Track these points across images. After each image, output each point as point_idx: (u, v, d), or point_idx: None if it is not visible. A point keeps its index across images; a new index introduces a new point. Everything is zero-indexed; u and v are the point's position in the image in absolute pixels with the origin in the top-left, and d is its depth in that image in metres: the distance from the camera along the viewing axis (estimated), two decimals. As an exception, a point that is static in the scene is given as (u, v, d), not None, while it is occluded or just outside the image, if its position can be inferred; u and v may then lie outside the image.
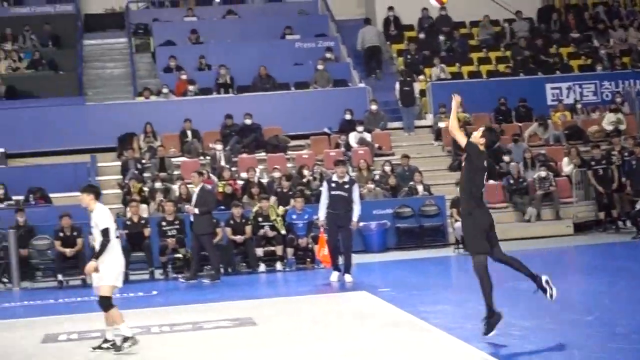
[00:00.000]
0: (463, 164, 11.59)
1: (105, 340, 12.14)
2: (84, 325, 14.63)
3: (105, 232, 11.87)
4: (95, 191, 12.39)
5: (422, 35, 32.37)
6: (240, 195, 23.33)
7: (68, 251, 20.26)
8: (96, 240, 12.09)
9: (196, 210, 19.61)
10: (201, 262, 20.21)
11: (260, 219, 21.11)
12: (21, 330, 14.89)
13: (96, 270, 11.88)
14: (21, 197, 23.79)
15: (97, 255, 11.84)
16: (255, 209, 21.48)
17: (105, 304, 11.99)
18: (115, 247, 11.99)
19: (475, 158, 11.17)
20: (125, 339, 11.93)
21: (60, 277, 20.30)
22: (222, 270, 20.33)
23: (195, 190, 20.14)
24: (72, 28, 31.55)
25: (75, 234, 20.41)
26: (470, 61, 31.67)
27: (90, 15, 33.91)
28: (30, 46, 30.79)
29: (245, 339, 12.51)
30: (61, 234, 20.43)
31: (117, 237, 12.10)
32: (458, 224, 22.09)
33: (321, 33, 31.59)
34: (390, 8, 32.92)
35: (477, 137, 11.30)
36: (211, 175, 24.07)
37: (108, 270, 11.92)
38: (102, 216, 12.02)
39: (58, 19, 31.75)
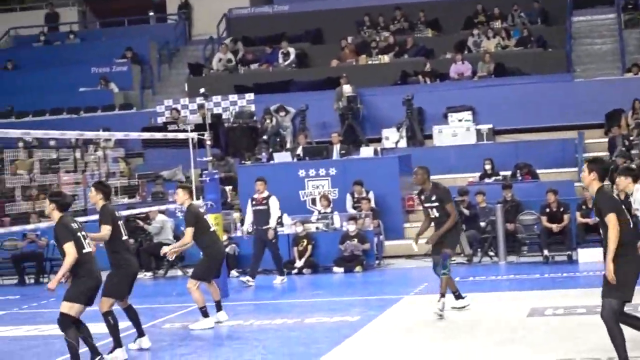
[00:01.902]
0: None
1: None
2: (570, 300, 14.64)
3: None
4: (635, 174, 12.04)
5: None
6: None
7: (554, 227, 20.30)
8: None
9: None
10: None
11: None
12: (507, 303, 15.15)
13: None
14: (508, 173, 24.18)
15: None
16: None
17: None
18: None
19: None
20: None
21: (546, 252, 20.38)
22: None
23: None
24: (561, 4, 31.46)
25: (561, 209, 20.39)
26: None
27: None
28: (519, 24, 31.13)
29: None
30: (547, 210, 20.51)
31: None
32: None
33: None
34: None
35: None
36: None
37: None
38: None
39: (549, -4, 31.90)
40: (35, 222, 19.96)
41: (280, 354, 12.10)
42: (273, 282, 19.57)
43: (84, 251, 11.08)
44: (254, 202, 19.71)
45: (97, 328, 12.07)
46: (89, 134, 18.84)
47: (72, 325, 11.05)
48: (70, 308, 11.05)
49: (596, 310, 13.55)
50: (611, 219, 9.30)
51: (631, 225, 9.51)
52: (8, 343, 13.58)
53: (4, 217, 23.78)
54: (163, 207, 20.94)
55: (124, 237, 12.30)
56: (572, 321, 13.01)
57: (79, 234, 11.09)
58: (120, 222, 12.32)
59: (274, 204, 19.47)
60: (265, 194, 19.56)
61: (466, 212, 21.18)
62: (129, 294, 12.39)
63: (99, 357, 11.35)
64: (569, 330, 12.27)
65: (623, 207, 9.56)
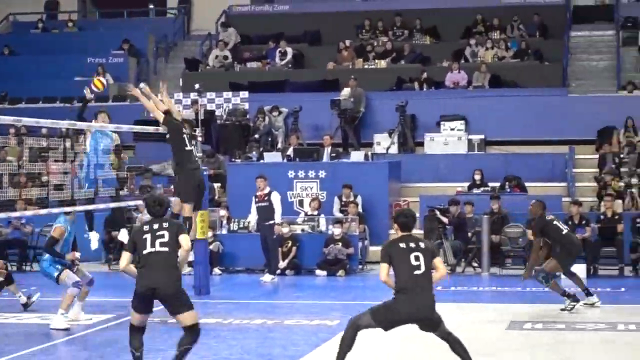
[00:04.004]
0: None
1: None
2: (550, 315, 14.67)
3: None
4: None
5: None
6: None
7: (540, 241, 20.31)
8: None
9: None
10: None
11: None
12: (488, 314, 15.17)
13: None
14: (497, 184, 24.19)
15: None
16: None
17: None
18: None
19: None
20: None
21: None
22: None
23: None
24: (560, 19, 31.49)
25: (547, 224, 20.40)
26: None
27: (579, 6, 33.63)
28: (517, 36, 31.14)
29: None
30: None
31: None
32: None
33: None
34: None
35: None
36: None
37: None
38: None
39: (547, 10, 31.79)
40: (22, 209, 19.95)
41: (257, 355, 12.10)
42: (261, 278, 19.68)
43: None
44: (256, 200, 20.15)
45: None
46: (81, 124, 18.77)
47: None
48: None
49: (575, 326, 13.66)
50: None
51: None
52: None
53: (-11, 203, 23.72)
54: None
55: None
56: (550, 336, 13.04)
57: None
58: None
59: (276, 199, 19.91)
60: (267, 190, 20.03)
61: (445, 220, 21.22)
62: None
63: None
64: (547, 345, 12.29)
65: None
